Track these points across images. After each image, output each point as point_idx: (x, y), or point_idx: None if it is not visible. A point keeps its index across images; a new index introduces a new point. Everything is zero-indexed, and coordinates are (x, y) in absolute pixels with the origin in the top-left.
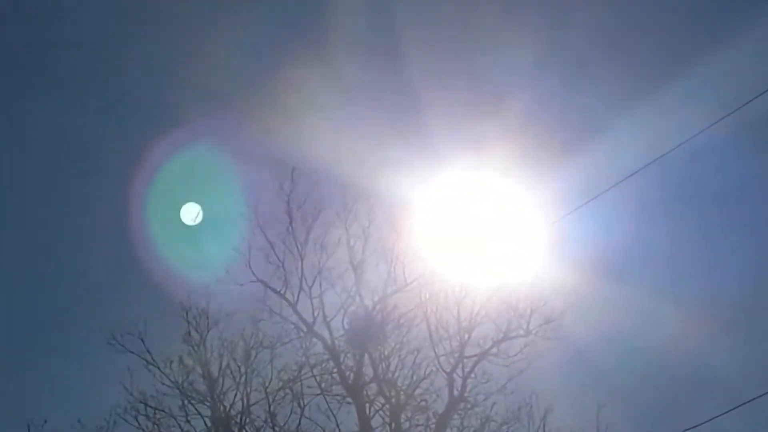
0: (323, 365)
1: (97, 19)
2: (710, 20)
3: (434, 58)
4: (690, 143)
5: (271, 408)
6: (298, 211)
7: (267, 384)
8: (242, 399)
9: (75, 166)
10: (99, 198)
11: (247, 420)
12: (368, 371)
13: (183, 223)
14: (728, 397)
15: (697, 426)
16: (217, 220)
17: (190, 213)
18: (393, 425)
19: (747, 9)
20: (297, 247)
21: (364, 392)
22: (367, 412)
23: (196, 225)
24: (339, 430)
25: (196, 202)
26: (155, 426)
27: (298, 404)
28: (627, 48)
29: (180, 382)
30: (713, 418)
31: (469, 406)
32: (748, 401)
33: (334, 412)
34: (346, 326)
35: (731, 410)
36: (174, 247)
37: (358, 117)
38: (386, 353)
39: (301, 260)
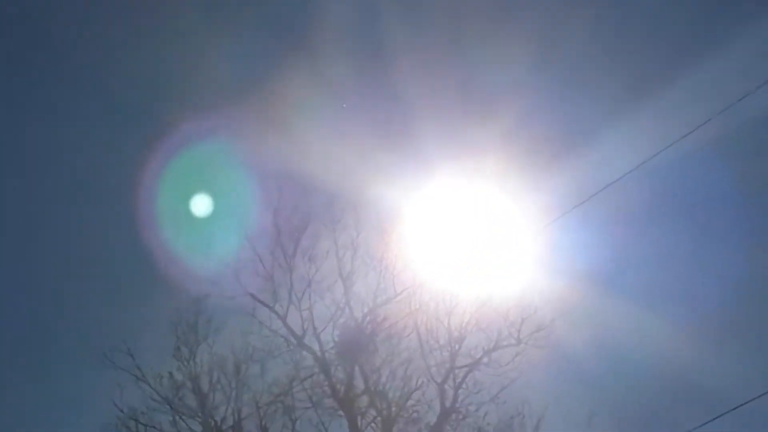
0: (314, 378)
1: (103, 23)
2: (699, 29)
3: (425, 65)
4: (679, 151)
5: (263, 422)
6: (287, 222)
7: (258, 398)
8: (233, 413)
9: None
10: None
11: None
12: (359, 383)
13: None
14: (716, 405)
15: None
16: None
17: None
18: None
19: (735, 19)
20: (285, 260)
21: (356, 405)
22: (359, 424)
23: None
24: None
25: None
26: None
27: (290, 418)
28: (617, 57)
29: (170, 397)
30: (700, 426)
31: (461, 416)
32: (734, 408)
33: (326, 426)
34: (336, 338)
35: (717, 417)
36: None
37: (346, 126)
38: (377, 365)
39: (290, 272)
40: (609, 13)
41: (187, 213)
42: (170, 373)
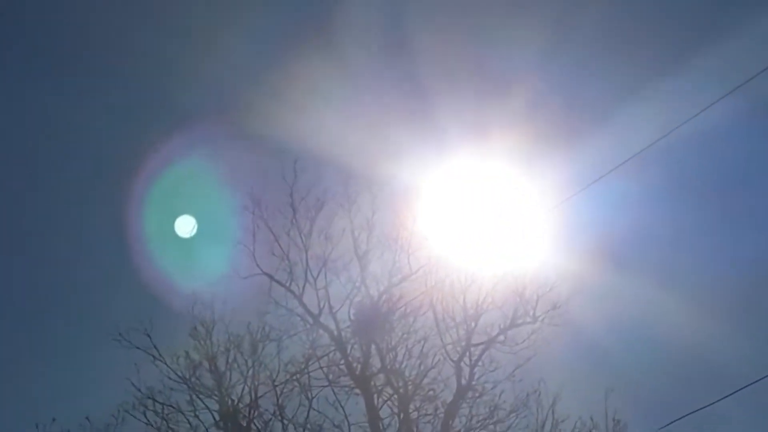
0: (330, 356)
1: (95, 17)
2: (716, 6)
3: (439, 46)
4: (695, 130)
5: (279, 400)
6: (302, 202)
7: (274, 377)
8: (250, 392)
9: (81, 162)
10: (102, 198)
11: (256, 413)
12: (375, 362)
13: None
14: (731, 381)
15: (700, 409)
16: (214, 230)
17: (185, 226)
18: (401, 415)
19: None
20: (301, 239)
21: (372, 383)
22: (375, 402)
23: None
24: (347, 421)
25: (191, 212)
26: (163, 421)
27: (306, 396)
28: (633, 35)
29: (187, 376)
30: (715, 402)
31: (477, 394)
32: (749, 384)
33: (342, 404)
34: (353, 317)
35: (733, 393)
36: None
37: (361, 106)
38: (393, 343)
39: (306, 252)
40: None
41: (206, 196)
42: (187, 353)
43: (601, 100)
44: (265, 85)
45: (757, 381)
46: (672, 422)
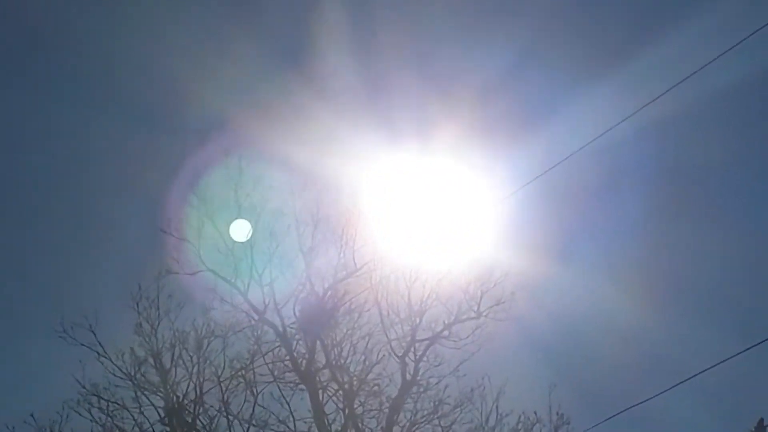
0: (275, 353)
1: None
2: (658, 3)
3: (385, 42)
4: (637, 125)
5: (225, 397)
6: (247, 198)
7: (219, 373)
8: (195, 388)
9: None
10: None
11: (201, 409)
12: (320, 357)
13: None
14: (674, 373)
15: (643, 402)
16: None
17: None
18: (346, 411)
19: None
20: (246, 235)
21: (317, 379)
22: (321, 398)
23: None
24: (292, 417)
25: None
26: (108, 418)
27: (251, 392)
28: (577, 31)
29: (132, 373)
30: (658, 395)
31: (421, 389)
32: (692, 376)
33: (288, 399)
34: (298, 313)
35: (676, 386)
36: None
37: (307, 101)
38: (338, 339)
39: (251, 248)
40: None
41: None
42: (132, 349)
43: (545, 96)
44: (212, 79)
45: (700, 372)
46: (615, 415)
